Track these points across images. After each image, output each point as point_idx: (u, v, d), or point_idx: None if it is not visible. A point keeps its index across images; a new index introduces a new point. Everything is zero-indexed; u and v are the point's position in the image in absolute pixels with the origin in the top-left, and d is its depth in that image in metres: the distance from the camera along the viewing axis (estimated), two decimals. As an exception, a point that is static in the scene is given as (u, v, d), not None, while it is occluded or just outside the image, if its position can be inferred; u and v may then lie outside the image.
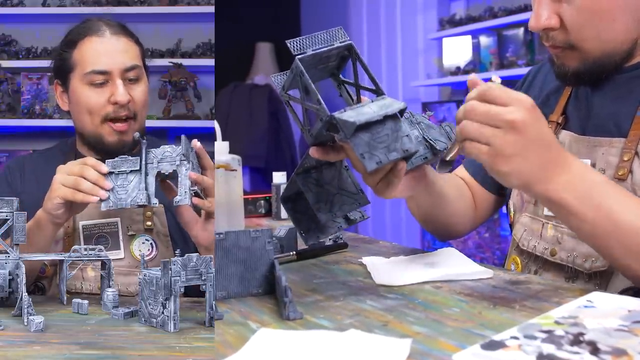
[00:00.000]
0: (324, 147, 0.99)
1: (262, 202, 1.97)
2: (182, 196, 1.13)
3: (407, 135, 0.93)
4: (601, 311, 0.81)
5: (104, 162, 1.29)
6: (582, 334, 0.72)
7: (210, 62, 2.78)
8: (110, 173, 1.16)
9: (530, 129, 0.89)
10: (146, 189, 1.15)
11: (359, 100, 1.00)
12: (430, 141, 1.06)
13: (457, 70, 3.47)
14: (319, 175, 1.08)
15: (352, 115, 0.89)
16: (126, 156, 1.17)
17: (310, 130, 0.97)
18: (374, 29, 4.45)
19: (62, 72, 1.38)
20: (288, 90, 0.97)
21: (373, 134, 0.91)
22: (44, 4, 2.79)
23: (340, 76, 1.02)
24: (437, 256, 1.17)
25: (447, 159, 1.00)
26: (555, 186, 0.92)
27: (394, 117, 0.92)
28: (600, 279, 1.07)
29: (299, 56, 0.91)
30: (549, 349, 0.68)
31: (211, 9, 2.72)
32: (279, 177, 1.92)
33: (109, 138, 1.35)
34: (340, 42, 0.94)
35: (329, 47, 0.93)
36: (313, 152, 0.99)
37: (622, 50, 1.09)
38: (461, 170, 1.42)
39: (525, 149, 0.89)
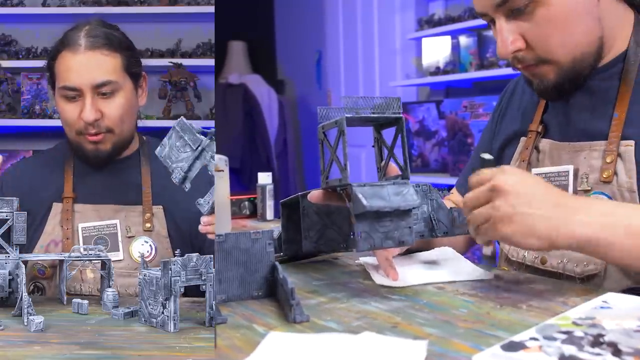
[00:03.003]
0: (328, 192, 1.01)
1: (247, 203, 1.91)
2: (205, 204, 1.08)
3: (409, 227, 0.94)
4: (618, 312, 0.78)
5: (92, 167, 1.33)
6: (601, 335, 0.70)
7: (210, 62, 2.76)
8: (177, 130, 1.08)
9: (515, 186, 0.89)
10: (188, 170, 1.07)
11: (386, 164, 1.02)
12: (434, 221, 1.07)
13: (437, 71, 3.41)
14: (324, 204, 1.08)
15: (367, 194, 0.90)
16: (193, 128, 1.07)
17: (328, 180, 0.99)
18: (351, 29, 4.35)
19: (51, 79, 1.37)
20: (326, 131, 1.00)
21: (378, 220, 0.92)
22: (44, 4, 2.77)
23: (381, 132, 1.02)
24: (435, 256, 1.14)
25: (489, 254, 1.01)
26: (578, 227, 0.89)
27: (404, 210, 0.94)
28: (593, 283, 1.05)
29: (348, 115, 0.94)
30: (570, 350, 0.66)
31: (211, 9, 2.70)
32: (265, 178, 1.86)
33: (87, 146, 1.32)
34: (392, 113, 0.96)
35: (378, 115, 0.96)
36: (316, 197, 1.02)
37: (591, 52, 1.07)
38: (455, 195, 1.40)
39: (519, 206, 0.89)
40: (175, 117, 1.15)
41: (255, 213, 1.91)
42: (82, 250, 1.14)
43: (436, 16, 3.52)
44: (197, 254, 0.99)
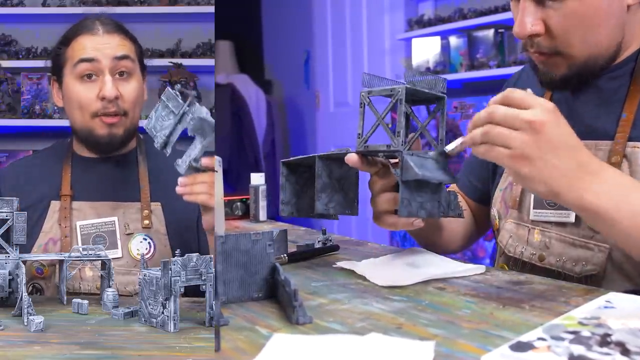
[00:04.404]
0: (365, 157, 1.05)
1: (239, 204, 1.88)
2: (182, 164, 1.08)
3: (439, 202, 1.02)
4: (622, 312, 0.77)
5: (96, 159, 1.30)
6: (608, 335, 0.69)
7: (210, 62, 2.76)
8: (162, 101, 1.08)
9: (550, 131, 0.86)
10: (170, 135, 1.07)
11: (415, 138, 1.05)
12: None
13: (427, 71, 3.37)
14: (337, 168, 1.12)
15: (417, 164, 0.96)
16: (178, 96, 1.07)
17: (368, 144, 1.04)
18: (339, 29, 4.29)
19: (57, 68, 1.34)
20: (371, 96, 1.04)
21: (419, 188, 0.99)
22: (44, 4, 2.77)
23: (412, 109, 1.05)
24: (422, 256, 1.14)
25: (448, 150, 0.99)
26: (588, 194, 0.87)
27: (437, 184, 1.00)
28: (591, 283, 1.03)
29: (408, 86, 0.99)
30: (578, 350, 0.65)
31: (211, 9, 2.70)
32: (257, 179, 1.83)
33: (100, 131, 1.30)
34: (439, 92, 1.04)
35: (429, 91, 1.02)
36: (354, 160, 1.04)
37: (607, 54, 1.06)
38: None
39: (546, 152, 0.86)
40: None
41: (247, 214, 1.87)
42: (81, 250, 1.14)
43: (426, 17, 3.50)
44: (197, 254, 0.99)
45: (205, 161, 1.07)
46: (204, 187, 1.09)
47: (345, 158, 1.05)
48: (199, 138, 1.07)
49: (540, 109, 0.87)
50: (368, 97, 1.04)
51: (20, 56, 2.76)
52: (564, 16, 1.02)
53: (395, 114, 1.03)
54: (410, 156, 0.98)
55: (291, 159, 1.18)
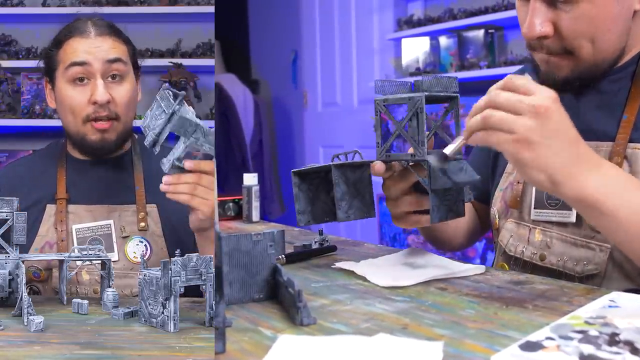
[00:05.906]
0: (387, 164, 1.05)
1: (231, 204, 1.86)
2: (166, 162, 1.08)
3: (462, 201, 1.04)
4: (627, 311, 0.77)
5: (91, 162, 1.28)
6: (616, 334, 0.69)
7: (210, 62, 2.76)
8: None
9: (554, 117, 0.84)
10: (159, 133, 1.05)
11: (429, 138, 1.04)
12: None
13: (417, 71, 3.36)
14: (351, 174, 1.12)
15: (444, 171, 0.98)
16: (170, 96, 1.05)
17: (389, 154, 1.05)
18: (328, 29, 4.23)
19: (49, 70, 1.32)
20: (387, 104, 1.03)
21: (445, 192, 1.01)
22: (44, 4, 2.76)
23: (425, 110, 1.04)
24: (413, 256, 1.13)
25: (449, 153, 0.96)
26: (588, 187, 0.86)
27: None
28: (591, 282, 1.02)
29: (426, 94, 0.99)
30: (588, 349, 0.65)
31: (211, 9, 2.69)
32: (250, 179, 1.81)
33: (92, 137, 1.28)
34: (451, 92, 1.03)
35: (443, 94, 1.02)
36: (380, 168, 1.04)
37: (611, 58, 1.05)
38: None
39: (549, 137, 0.83)
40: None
41: (239, 214, 1.85)
42: (82, 250, 1.14)
43: (415, 17, 3.46)
44: (197, 254, 0.98)
45: (187, 164, 1.06)
46: (186, 188, 1.08)
47: (375, 169, 1.05)
48: (183, 138, 1.06)
49: (544, 94, 0.85)
50: (384, 105, 1.03)
51: (20, 56, 2.75)
52: (575, 18, 1.00)
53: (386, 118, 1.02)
54: (435, 162, 0.98)
55: (302, 168, 1.17)
